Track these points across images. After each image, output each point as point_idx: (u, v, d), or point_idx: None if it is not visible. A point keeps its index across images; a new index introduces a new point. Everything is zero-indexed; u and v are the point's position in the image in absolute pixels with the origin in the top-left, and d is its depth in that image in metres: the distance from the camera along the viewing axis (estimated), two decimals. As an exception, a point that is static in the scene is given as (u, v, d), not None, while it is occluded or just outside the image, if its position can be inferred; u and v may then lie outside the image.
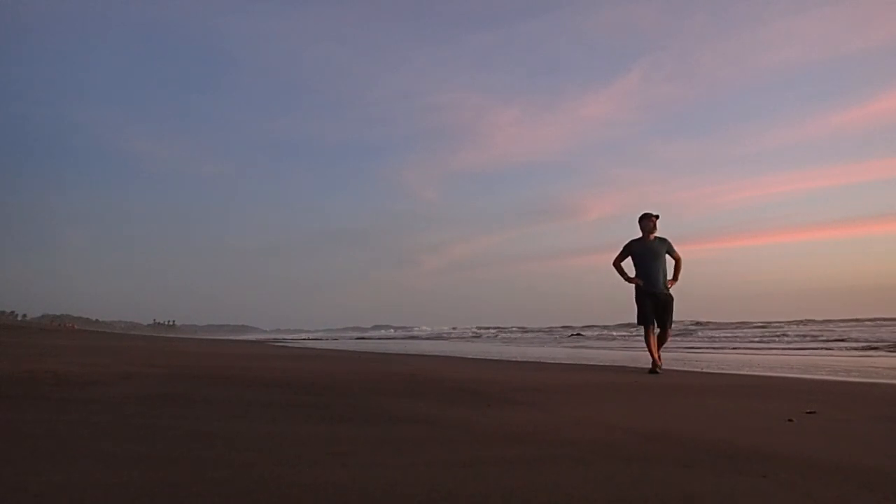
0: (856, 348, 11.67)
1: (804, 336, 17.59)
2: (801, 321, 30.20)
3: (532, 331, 40.16)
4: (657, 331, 6.68)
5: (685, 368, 7.34)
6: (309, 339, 38.44)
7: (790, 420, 2.94)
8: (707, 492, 1.62)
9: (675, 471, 1.85)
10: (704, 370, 7.06)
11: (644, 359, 7.44)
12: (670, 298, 6.70)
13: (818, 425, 2.82)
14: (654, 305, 6.64)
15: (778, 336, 18.49)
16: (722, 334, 21.46)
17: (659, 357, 6.49)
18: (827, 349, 11.92)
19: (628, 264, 6.87)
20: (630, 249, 6.83)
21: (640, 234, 6.81)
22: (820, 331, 20.63)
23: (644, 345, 6.80)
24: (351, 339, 38.79)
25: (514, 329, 46.33)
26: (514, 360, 9.94)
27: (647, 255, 6.72)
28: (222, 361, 7.80)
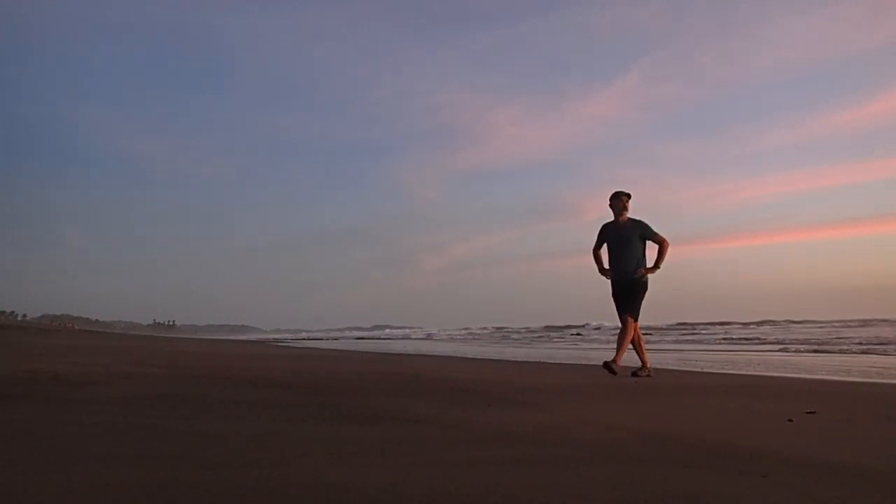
0: (855, 351, 11.66)
1: (802, 340, 17.57)
2: (802, 321, 30.18)
3: (532, 331, 40.13)
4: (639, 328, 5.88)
5: (685, 368, 7.34)
6: (309, 339, 38.45)
7: (790, 420, 2.93)
8: (707, 492, 1.61)
9: (675, 471, 1.85)
10: (704, 370, 7.06)
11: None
12: (638, 283, 5.81)
13: (818, 425, 2.82)
14: (621, 294, 5.91)
15: (777, 336, 18.48)
16: (721, 334, 21.45)
17: (618, 358, 5.61)
18: (826, 350, 11.91)
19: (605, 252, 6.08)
20: (603, 234, 6.04)
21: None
22: (823, 333, 20.62)
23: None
24: (351, 339, 38.82)
25: (514, 329, 46.31)
26: (514, 360, 9.94)
27: (616, 241, 5.93)
28: (222, 361, 7.80)
